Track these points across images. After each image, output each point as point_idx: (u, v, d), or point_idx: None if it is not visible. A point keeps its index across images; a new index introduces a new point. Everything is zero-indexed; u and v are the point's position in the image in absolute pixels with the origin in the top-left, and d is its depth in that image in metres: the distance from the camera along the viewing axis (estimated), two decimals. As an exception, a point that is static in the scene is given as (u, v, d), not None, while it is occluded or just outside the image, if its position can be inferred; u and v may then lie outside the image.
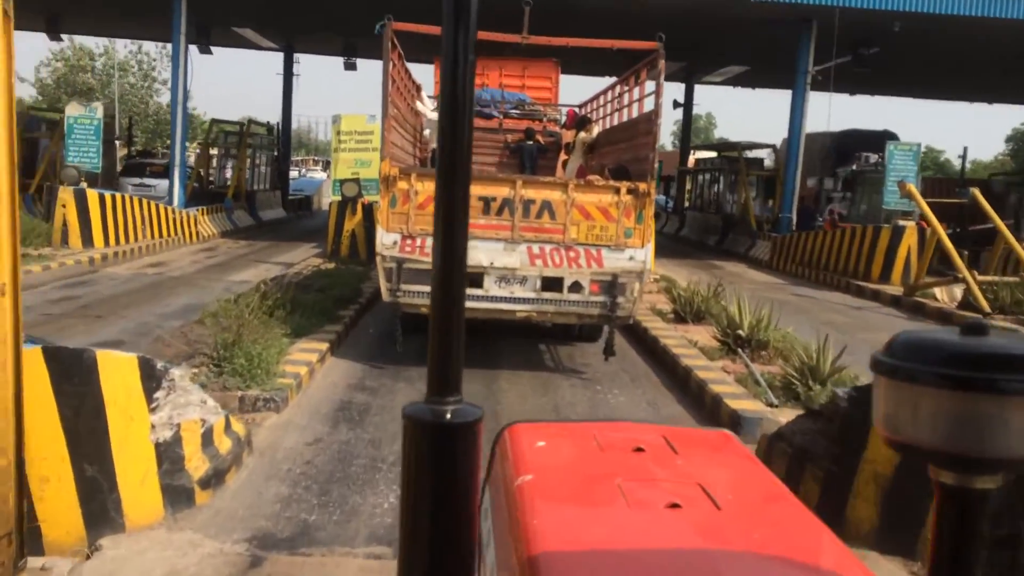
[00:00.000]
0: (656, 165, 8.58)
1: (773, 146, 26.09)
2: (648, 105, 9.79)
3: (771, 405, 7.15)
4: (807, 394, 7.14)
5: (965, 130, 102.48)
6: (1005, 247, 14.54)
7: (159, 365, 4.66)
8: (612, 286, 8.46)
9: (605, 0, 18.90)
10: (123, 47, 49.98)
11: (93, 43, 49.52)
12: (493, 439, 2.42)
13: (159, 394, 4.58)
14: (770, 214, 26.53)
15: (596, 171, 11.00)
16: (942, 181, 29.78)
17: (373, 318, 11.01)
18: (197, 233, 19.80)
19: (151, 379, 4.55)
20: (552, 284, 8.55)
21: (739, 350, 8.97)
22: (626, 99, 10.80)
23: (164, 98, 46.54)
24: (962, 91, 32.39)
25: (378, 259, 8.44)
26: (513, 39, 8.70)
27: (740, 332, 9.09)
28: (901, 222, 16.54)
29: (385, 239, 8.35)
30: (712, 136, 68.87)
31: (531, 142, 13.82)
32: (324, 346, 8.60)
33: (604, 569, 1.63)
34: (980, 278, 13.39)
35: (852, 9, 19.19)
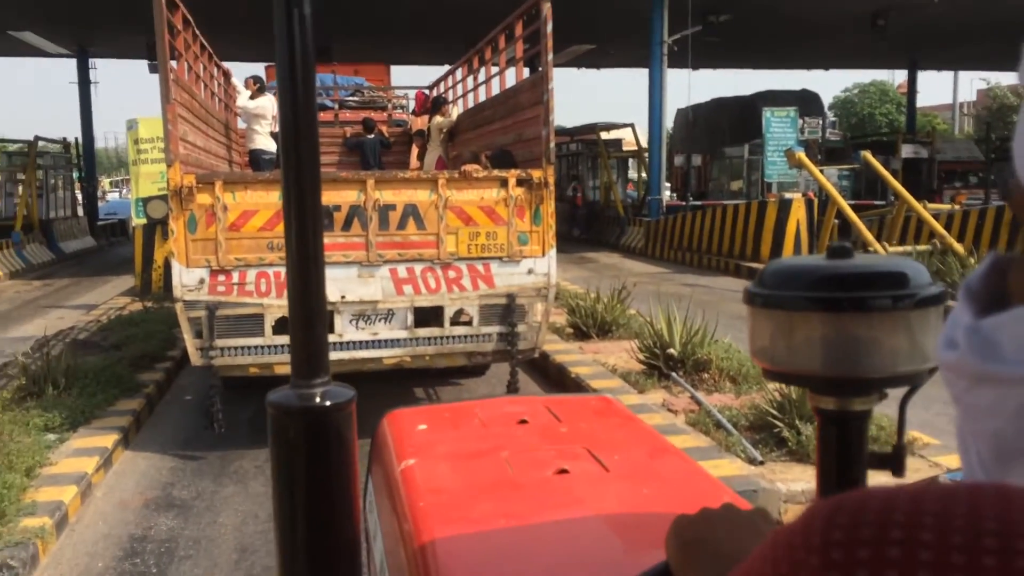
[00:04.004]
0: (552, 145, 6.47)
1: (631, 125, 24.63)
2: (527, 70, 7.73)
3: (754, 462, 5.18)
4: (797, 440, 5.22)
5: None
6: (907, 214, 13.40)
7: None
8: (508, 311, 6.38)
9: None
10: None
11: None
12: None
13: None
14: (633, 199, 25.19)
15: (463, 162, 8.74)
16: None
17: (192, 377, 8.38)
18: (-27, 278, 16.23)
19: None
20: (428, 316, 6.40)
21: (672, 374, 7.03)
22: (495, 68, 8.60)
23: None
24: (801, 59, 32.18)
25: (178, 308, 5.95)
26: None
27: (672, 351, 7.13)
28: (787, 195, 15.24)
29: (186, 278, 5.91)
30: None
31: (372, 135, 11.55)
32: (111, 439, 5.96)
33: (495, 542, 1.59)
34: (892, 249, 12.14)
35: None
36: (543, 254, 6.40)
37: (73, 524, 4.86)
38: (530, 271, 6.38)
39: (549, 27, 6.35)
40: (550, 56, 6.43)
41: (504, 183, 6.33)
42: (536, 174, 6.35)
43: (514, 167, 6.79)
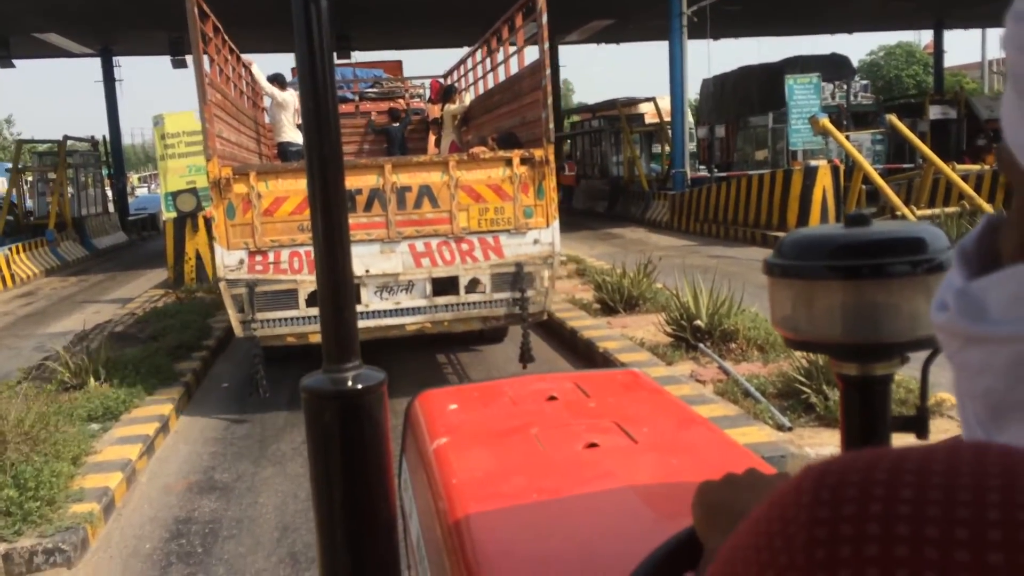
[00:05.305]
0: (552, 126, 6.88)
1: (653, 99, 24.46)
2: (529, 57, 7.92)
3: (783, 429, 5.24)
4: (825, 405, 5.26)
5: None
6: (935, 176, 13.25)
7: None
8: (518, 278, 6.78)
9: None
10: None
11: None
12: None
13: None
14: (657, 173, 25.06)
15: (473, 145, 9.02)
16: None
17: (228, 364, 8.57)
18: (11, 276, 16.56)
19: None
20: (445, 286, 6.82)
21: (700, 345, 7.07)
22: (501, 55, 8.84)
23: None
24: (824, 23, 31.60)
25: (222, 286, 6.46)
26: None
27: (699, 322, 7.17)
28: (813, 162, 15.11)
29: (227, 259, 6.38)
30: (571, 102, 66.98)
31: (397, 123, 11.87)
32: (152, 427, 6.14)
33: (529, 516, 1.62)
34: (919, 212, 12.04)
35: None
36: (547, 225, 6.78)
37: (120, 509, 5.04)
38: (536, 241, 6.77)
39: (544, 18, 6.66)
40: (547, 45, 6.86)
41: (509, 162, 6.71)
42: (538, 153, 6.73)
43: (519, 147, 7.14)
